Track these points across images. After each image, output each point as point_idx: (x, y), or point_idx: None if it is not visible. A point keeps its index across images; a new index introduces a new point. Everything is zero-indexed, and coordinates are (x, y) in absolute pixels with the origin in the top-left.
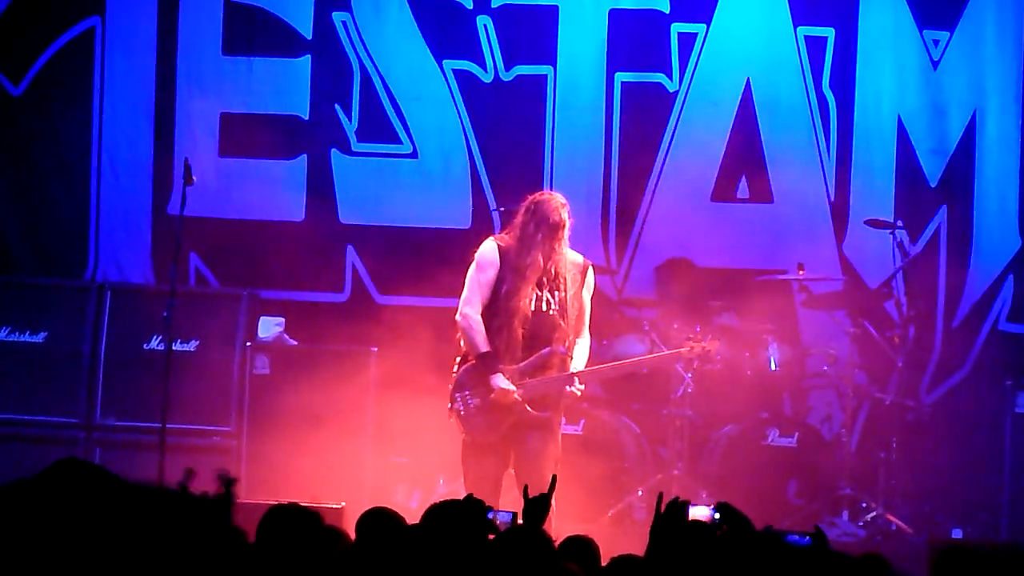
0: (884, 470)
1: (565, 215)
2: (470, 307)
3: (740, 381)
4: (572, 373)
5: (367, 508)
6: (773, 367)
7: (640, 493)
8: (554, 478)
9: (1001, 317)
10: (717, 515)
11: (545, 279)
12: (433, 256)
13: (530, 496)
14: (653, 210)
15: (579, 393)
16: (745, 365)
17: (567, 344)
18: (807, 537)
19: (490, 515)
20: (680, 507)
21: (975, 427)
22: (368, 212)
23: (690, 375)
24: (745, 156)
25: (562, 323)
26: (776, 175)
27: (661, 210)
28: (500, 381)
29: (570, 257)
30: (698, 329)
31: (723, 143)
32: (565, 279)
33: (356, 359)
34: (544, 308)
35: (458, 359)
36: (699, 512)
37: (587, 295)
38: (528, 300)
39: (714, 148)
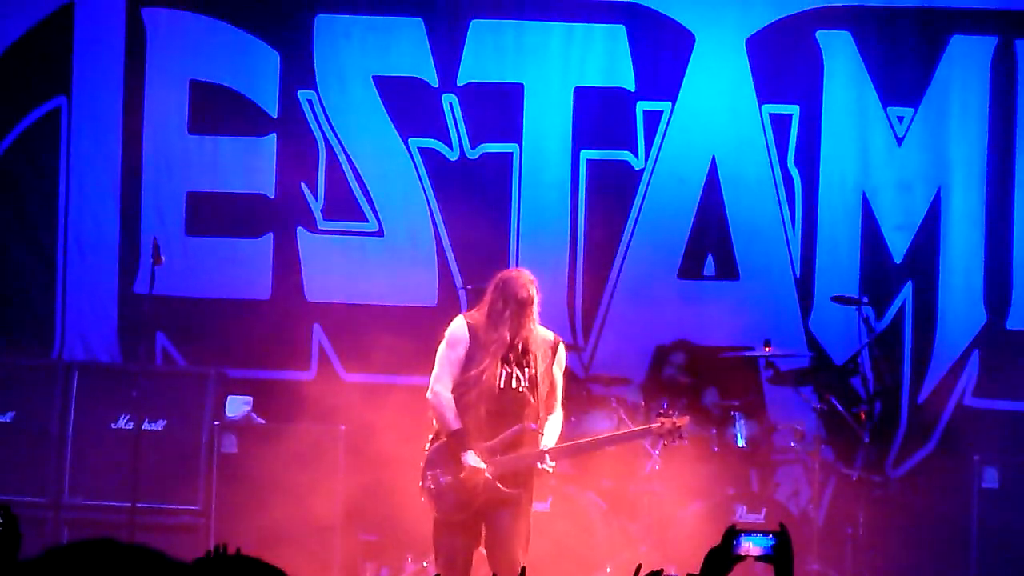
0: (851, 545)
1: (533, 291)
2: (440, 384)
3: (707, 458)
4: (543, 450)
5: None
6: (740, 443)
7: (608, 570)
8: (523, 571)
9: (967, 392)
10: None
11: (515, 356)
12: (400, 334)
13: None
14: (620, 287)
15: (551, 470)
16: (712, 441)
17: (538, 421)
18: (771, 536)
19: None
20: None
21: (942, 502)
22: (334, 290)
23: (658, 452)
24: (711, 233)
25: (532, 399)
26: (742, 252)
27: (628, 287)
28: (471, 459)
29: (541, 334)
30: (665, 405)
31: (689, 220)
32: (535, 355)
33: (324, 437)
34: (514, 385)
35: (430, 437)
36: None
37: (558, 371)
38: (498, 377)
39: (680, 225)
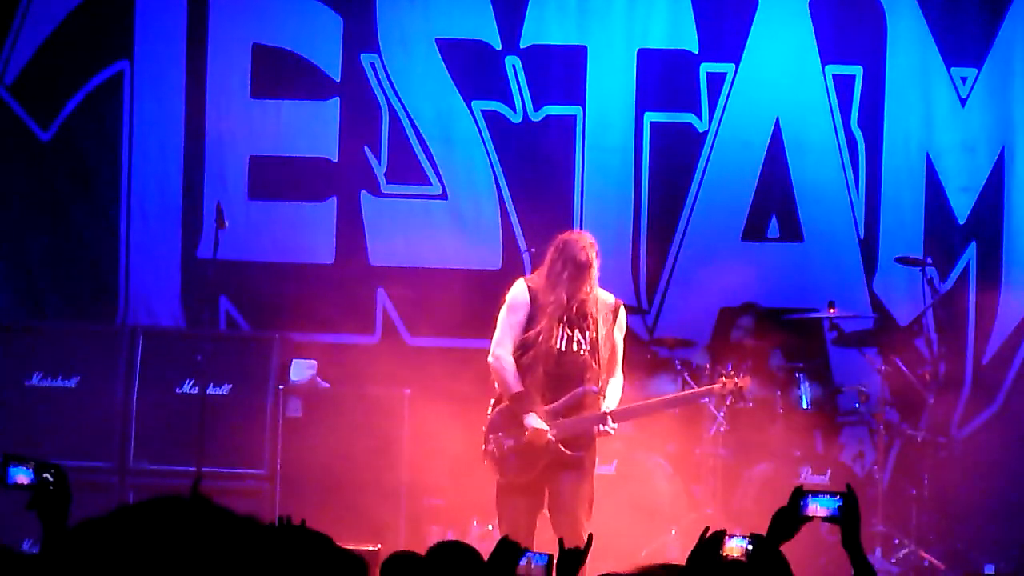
0: (916, 507)
1: (592, 255)
2: (502, 348)
3: (772, 419)
4: (605, 412)
5: (398, 551)
6: (805, 405)
7: (673, 533)
8: (590, 537)
9: None
10: (751, 546)
11: (573, 318)
12: (464, 297)
13: (566, 547)
14: (684, 249)
15: (613, 432)
16: (777, 403)
17: (599, 383)
18: (838, 497)
19: (524, 559)
20: (716, 538)
21: (1007, 462)
22: (398, 254)
23: (722, 414)
24: (775, 195)
25: (593, 363)
26: (806, 214)
27: (692, 250)
28: (533, 421)
29: (601, 297)
30: (730, 367)
31: (753, 182)
32: (596, 319)
33: (388, 401)
34: (575, 348)
35: (492, 401)
36: (735, 544)
37: (619, 335)
38: (559, 340)
39: (744, 187)
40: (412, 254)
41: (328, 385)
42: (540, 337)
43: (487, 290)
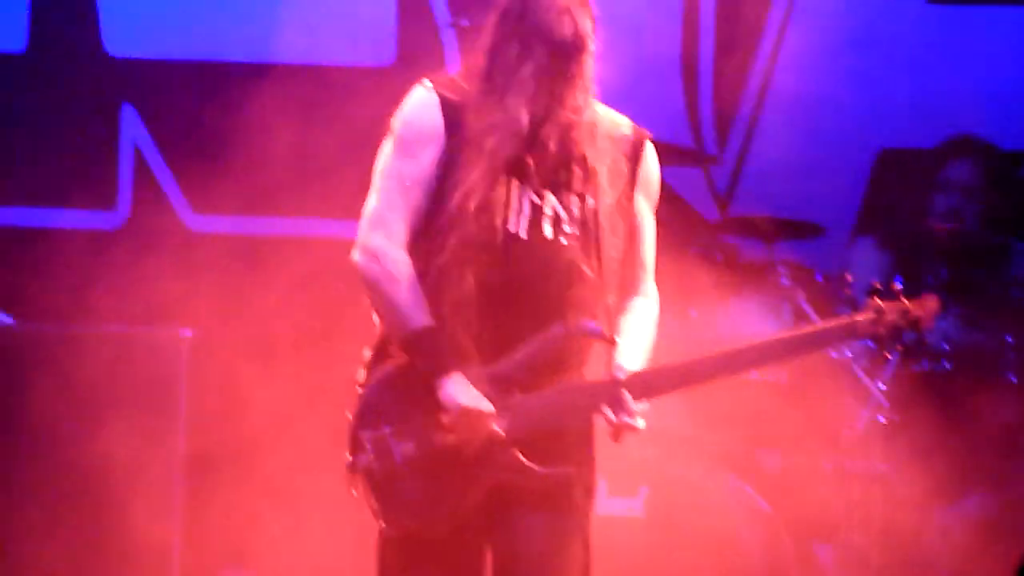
0: None
1: (585, 23)
2: (383, 233)
3: (993, 397)
4: (618, 378)
5: None
6: None
7: None
8: None
9: None
10: None
11: (545, 166)
12: (310, 128)
13: None
14: (796, 23)
15: (638, 423)
16: (1007, 362)
17: (603, 312)
18: None
19: None
20: None
21: None
22: (167, 34)
23: (881, 383)
24: None
25: (588, 267)
26: None
27: (812, 25)
28: (460, 394)
29: (606, 123)
30: (899, 281)
31: None
32: (595, 169)
33: (149, 351)
34: (550, 232)
35: (368, 352)
36: None
37: (645, 204)
38: (514, 213)
39: None
40: (196, 35)
41: (13, 321)
42: (470, 206)
43: (361, 110)
